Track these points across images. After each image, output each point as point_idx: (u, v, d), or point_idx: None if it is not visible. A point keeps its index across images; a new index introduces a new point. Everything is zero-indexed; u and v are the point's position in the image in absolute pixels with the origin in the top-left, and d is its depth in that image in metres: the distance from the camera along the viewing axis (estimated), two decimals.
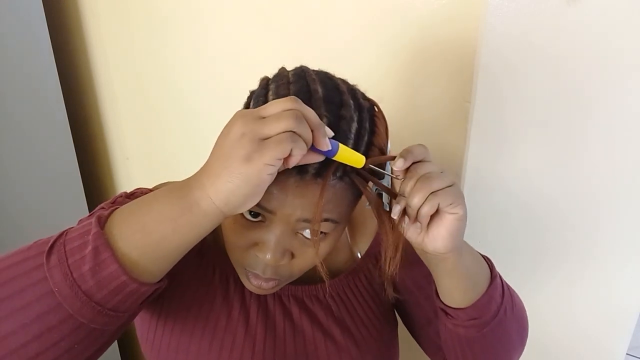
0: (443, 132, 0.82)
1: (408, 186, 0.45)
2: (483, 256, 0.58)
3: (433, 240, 0.47)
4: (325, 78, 0.50)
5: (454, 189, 0.45)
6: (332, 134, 0.43)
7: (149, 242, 0.41)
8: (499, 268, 0.59)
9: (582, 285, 0.83)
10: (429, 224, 0.47)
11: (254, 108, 0.42)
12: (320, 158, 0.43)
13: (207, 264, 0.60)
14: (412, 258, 0.54)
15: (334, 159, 0.43)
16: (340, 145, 0.43)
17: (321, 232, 0.49)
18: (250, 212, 0.48)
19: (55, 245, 0.41)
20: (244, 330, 0.58)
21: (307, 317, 0.61)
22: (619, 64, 0.68)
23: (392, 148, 0.47)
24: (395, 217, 0.46)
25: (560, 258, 0.82)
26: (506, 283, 0.59)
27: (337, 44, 0.88)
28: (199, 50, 1.08)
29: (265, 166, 0.38)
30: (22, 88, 1.17)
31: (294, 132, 0.38)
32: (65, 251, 0.40)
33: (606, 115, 0.71)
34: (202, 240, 0.59)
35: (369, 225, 0.68)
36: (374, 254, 0.66)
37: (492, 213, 0.83)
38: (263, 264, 0.50)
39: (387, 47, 0.83)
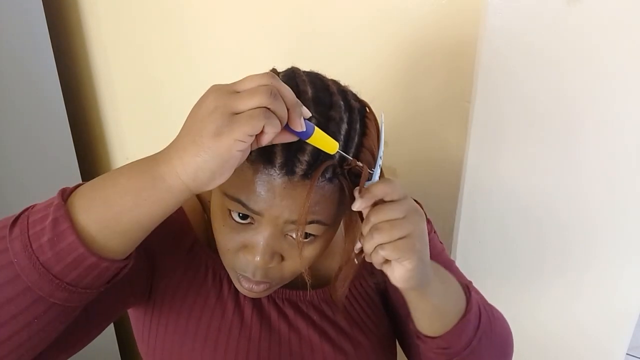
0: (443, 132, 0.82)
1: (364, 230, 0.45)
2: (464, 285, 0.56)
3: (390, 274, 0.46)
4: (316, 79, 0.50)
5: (405, 242, 0.43)
6: (309, 114, 0.41)
7: (109, 215, 0.40)
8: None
9: (582, 285, 0.83)
10: (387, 261, 0.46)
11: None
12: (294, 138, 0.41)
13: (199, 264, 0.59)
14: None
15: (307, 141, 0.41)
16: (316, 128, 0.41)
17: (310, 235, 0.49)
18: (238, 214, 0.47)
19: (20, 217, 0.41)
20: (238, 330, 0.58)
21: (301, 318, 0.61)
22: (619, 64, 0.68)
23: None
24: (355, 252, 0.47)
25: (560, 258, 0.82)
26: (486, 311, 0.56)
27: (336, 44, 0.88)
28: (199, 49, 1.08)
29: (236, 142, 0.36)
30: (22, 88, 1.16)
31: (268, 108, 0.37)
32: (27, 223, 0.40)
33: (606, 115, 0.71)
34: (193, 240, 0.59)
35: None
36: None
37: (492, 213, 0.83)
38: (253, 266, 0.49)
39: (386, 47, 0.83)
